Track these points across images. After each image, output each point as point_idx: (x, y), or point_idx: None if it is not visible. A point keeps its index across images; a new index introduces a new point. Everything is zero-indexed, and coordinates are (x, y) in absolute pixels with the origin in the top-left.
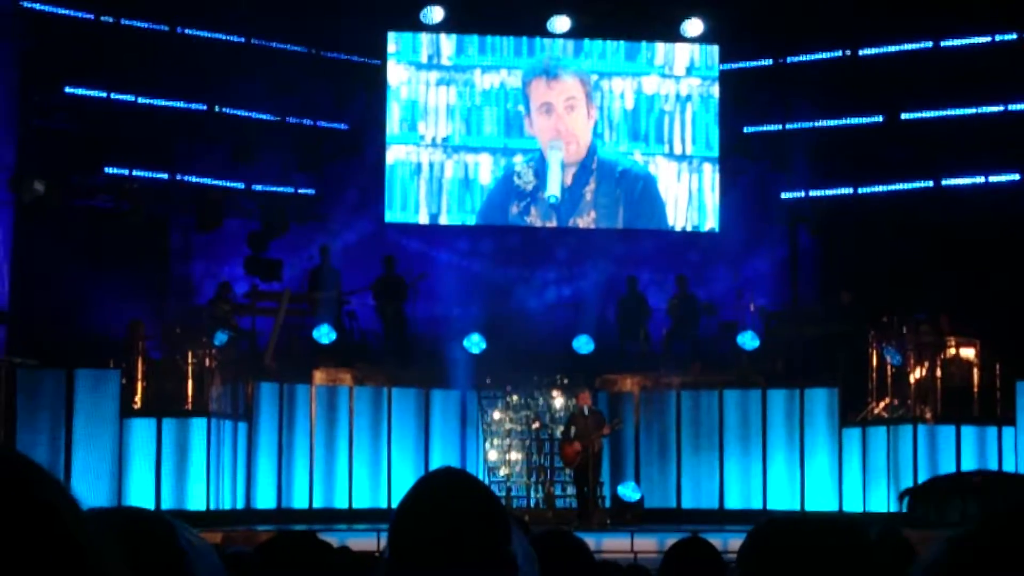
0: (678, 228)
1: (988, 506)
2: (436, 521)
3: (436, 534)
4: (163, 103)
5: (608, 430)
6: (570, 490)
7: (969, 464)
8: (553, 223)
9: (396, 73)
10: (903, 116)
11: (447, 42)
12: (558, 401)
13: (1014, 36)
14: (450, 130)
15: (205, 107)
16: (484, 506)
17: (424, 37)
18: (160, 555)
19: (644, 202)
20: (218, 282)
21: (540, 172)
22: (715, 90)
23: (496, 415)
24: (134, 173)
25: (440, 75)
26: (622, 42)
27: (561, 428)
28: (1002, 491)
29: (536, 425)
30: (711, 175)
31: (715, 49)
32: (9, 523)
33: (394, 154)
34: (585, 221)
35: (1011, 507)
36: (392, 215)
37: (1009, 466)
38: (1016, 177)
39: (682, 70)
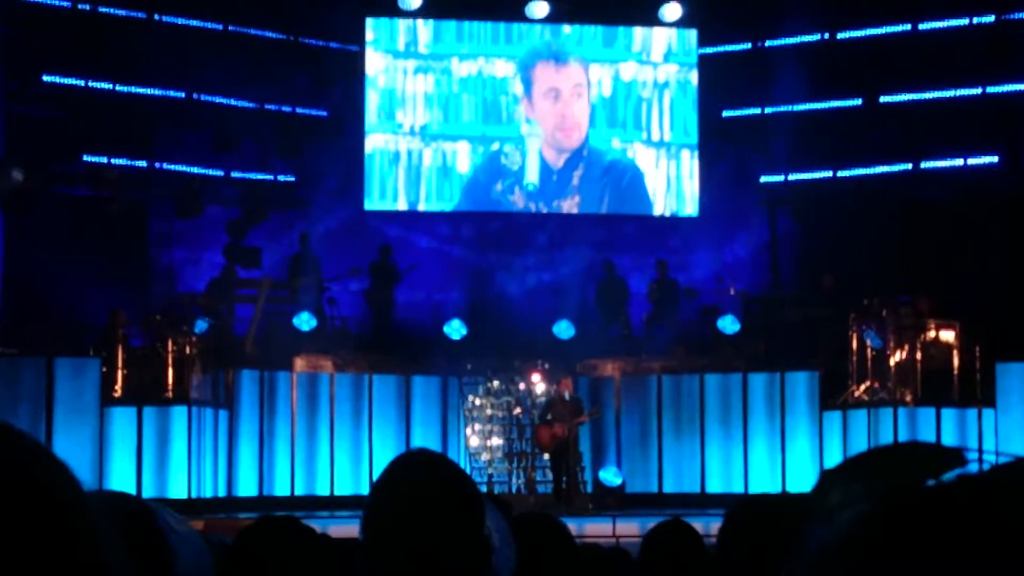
0: (657, 214)
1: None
2: (410, 503)
3: (410, 516)
4: (142, 91)
5: (584, 418)
6: (550, 475)
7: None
8: (539, 206)
9: (373, 61)
10: (882, 99)
11: (424, 29)
12: (539, 387)
13: (992, 18)
14: (428, 118)
15: (184, 94)
16: (458, 487)
17: (401, 24)
18: (137, 537)
19: (629, 194)
20: (223, 267)
21: (525, 154)
22: (693, 76)
23: (477, 401)
24: (113, 161)
25: (417, 63)
26: (600, 28)
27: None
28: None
29: (517, 411)
30: (689, 161)
31: (693, 33)
32: (7, 502)
33: (372, 142)
34: (569, 205)
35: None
36: (371, 203)
37: (989, 448)
38: (995, 159)
39: (660, 56)
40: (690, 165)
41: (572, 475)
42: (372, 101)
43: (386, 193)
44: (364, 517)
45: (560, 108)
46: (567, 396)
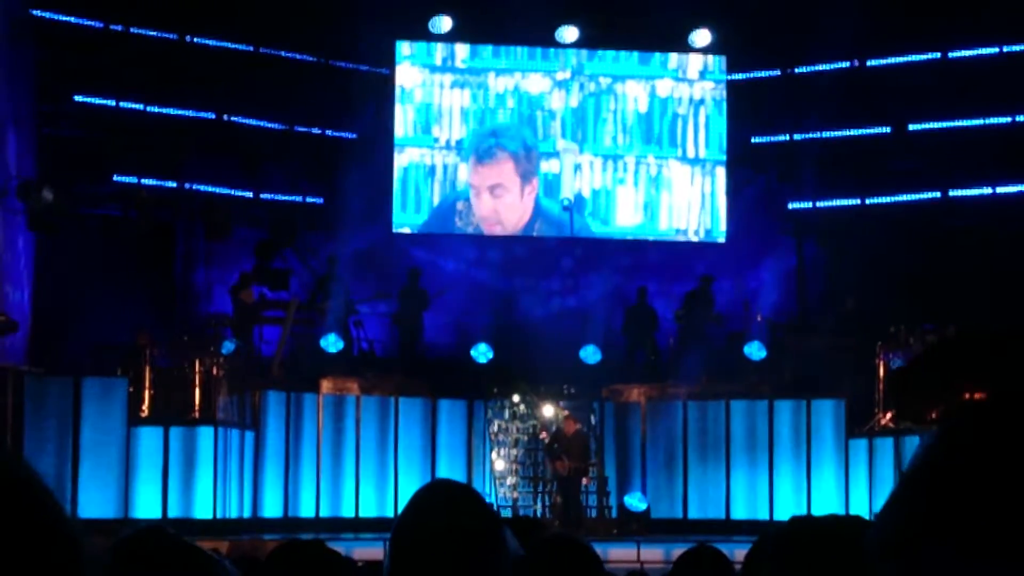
0: (690, 232)
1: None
2: (436, 535)
3: (436, 548)
4: (172, 112)
5: (566, 466)
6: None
7: None
8: (562, 228)
9: (410, 76)
10: (910, 127)
11: (461, 45)
12: (564, 413)
13: (1022, 47)
14: (464, 132)
15: (214, 116)
16: (482, 519)
17: (438, 43)
18: None
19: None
20: (237, 278)
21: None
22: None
23: (503, 424)
24: (142, 181)
25: (454, 77)
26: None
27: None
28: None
29: (543, 435)
30: (724, 178)
31: (722, 59)
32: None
33: (407, 157)
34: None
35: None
36: (400, 220)
37: None
38: (1023, 187)
39: (695, 74)
40: (725, 181)
41: (576, 505)
42: (408, 115)
43: (421, 208)
44: (390, 549)
45: (480, 205)
46: (573, 431)
